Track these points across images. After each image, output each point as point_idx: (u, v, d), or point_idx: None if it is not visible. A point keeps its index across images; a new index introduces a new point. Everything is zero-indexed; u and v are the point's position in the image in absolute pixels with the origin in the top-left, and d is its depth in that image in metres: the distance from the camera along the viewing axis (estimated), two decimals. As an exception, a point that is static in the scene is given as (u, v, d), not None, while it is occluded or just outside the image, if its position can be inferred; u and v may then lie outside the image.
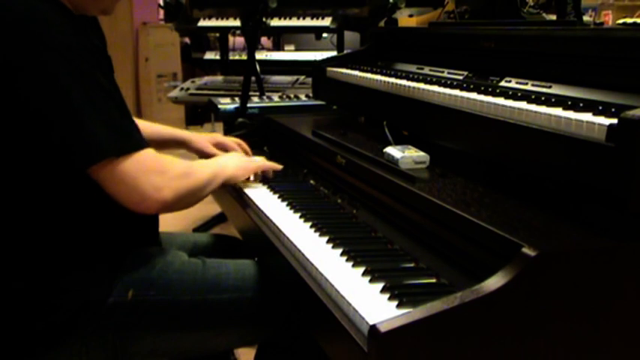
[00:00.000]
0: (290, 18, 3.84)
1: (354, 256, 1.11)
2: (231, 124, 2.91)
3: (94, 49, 1.25)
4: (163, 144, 1.67)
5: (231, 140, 1.77)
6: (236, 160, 1.54)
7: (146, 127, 1.54)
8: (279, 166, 1.63)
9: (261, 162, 1.62)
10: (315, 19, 3.76)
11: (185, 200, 1.28)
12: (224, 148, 1.72)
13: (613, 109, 1.04)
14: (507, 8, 1.72)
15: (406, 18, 2.59)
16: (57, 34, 1.14)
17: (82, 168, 1.16)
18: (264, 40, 5.25)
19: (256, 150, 1.96)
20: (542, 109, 1.12)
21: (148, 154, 1.21)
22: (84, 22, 1.27)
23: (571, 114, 1.06)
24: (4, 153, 1.17)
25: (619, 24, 2.03)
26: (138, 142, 1.21)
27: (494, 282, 0.86)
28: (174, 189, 1.22)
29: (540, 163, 1.12)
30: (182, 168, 1.28)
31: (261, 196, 1.51)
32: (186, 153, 1.69)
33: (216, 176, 1.39)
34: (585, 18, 1.78)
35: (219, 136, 1.79)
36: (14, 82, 1.12)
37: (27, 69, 1.12)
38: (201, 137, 1.74)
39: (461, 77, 1.55)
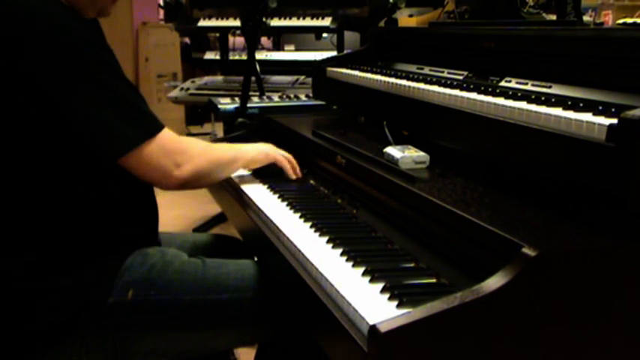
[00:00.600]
0: (290, 18, 3.85)
1: (354, 256, 1.11)
2: (231, 124, 2.91)
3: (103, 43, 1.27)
4: None
5: None
6: (258, 146, 1.60)
7: None
8: (298, 174, 1.61)
9: (281, 157, 1.60)
10: (315, 19, 3.76)
11: (204, 178, 1.37)
12: None
13: (613, 109, 1.04)
14: (507, 8, 1.72)
15: (406, 18, 2.59)
16: (69, 31, 1.16)
17: (111, 161, 1.22)
18: (264, 40, 5.26)
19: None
20: (542, 109, 1.12)
21: (167, 135, 1.28)
22: (85, 21, 1.27)
23: (571, 114, 1.06)
24: (8, 155, 1.18)
25: (619, 24, 2.04)
26: (157, 124, 1.27)
27: (494, 282, 0.86)
28: (194, 166, 1.31)
29: (540, 163, 1.12)
30: (201, 146, 1.38)
31: (261, 196, 1.51)
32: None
33: (236, 158, 1.48)
34: (585, 18, 1.79)
35: None
36: (33, 83, 1.13)
37: (45, 69, 1.14)
38: None
39: (461, 77, 1.55)
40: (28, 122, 1.16)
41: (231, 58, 4.45)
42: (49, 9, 1.16)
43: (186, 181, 1.30)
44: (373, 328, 0.83)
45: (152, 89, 5.76)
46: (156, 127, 1.26)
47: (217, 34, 4.64)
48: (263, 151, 1.58)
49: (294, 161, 1.62)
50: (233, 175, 1.62)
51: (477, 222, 1.00)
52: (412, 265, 1.09)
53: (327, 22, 3.69)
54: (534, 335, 0.89)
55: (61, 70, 1.15)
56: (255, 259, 1.48)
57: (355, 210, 1.37)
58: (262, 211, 1.41)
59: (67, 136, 1.18)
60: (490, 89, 1.34)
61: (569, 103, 1.12)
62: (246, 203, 1.52)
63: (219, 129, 4.71)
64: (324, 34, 4.13)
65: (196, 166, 1.32)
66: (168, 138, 1.28)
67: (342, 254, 1.14)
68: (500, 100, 1.24)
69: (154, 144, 1.24)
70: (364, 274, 1.04)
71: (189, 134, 6.02)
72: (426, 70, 1.70)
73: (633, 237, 0.94)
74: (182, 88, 4.10)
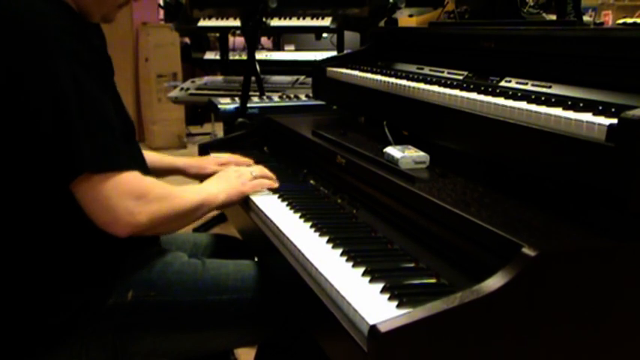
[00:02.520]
0: (290, 18, 3.84)
1: (354, 256, 1.11)
2: (231, 124, 2.91)
3: (96, 56, 1.25)
4: (160, 173, 1.62)
5: (230, 157, 1.73)
6: (228, 185, 1.44)
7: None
8: (275, 184, 1.55)
9: (256, 182, 1.52)
10: (315, 19, 3.76)
11: (164, 225, 1.25)
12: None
13: (613, 109, 1.04)
14: (507, 8, 1.72)
15: (406, 18, 2.59)
16: (62, 40, 1.14)
17: (64, 181, 1.14)
18: (264, 40, 5.26)
19: (256, 150, 1.96)
20: (542, 109, 1.12)
21: (128, 177, 1.17)
22: (86, 23, 1.27)
23: (571, 114, 1.06)
24: (7, 155, 1.17)
25: (619, 24, 2.03)
26: (121, 162, 1.17)
27: (494, 282, 0.86)
28: (148, 214, 1.18)
29: (540, 163, 1.12)
30: (161, 192, 1.23)
31: (261, 197, 1.51)
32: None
33: (204, 204, 1.33)
34: (585, 18, 1.78)
35: (222, 157, 1.73)
36: (16, 86, 1.12)
37: (30, 74, 1.12)
38: (198, 163, 1.69)
39: (461, 77, 1.55)
40: (23, 125, 1.15)
41: (231, 58, 4.45)
42: (49, 13, 1.15)
43: (140, 229, 1.18)
44: (373, 328, 0.83)
45: (152, 89, 5.76)
46: (115, 165, 1.16)
47: (217, 34, 4.64)
48: (235, 190, 1.44)
49: (265, 181, 1.54)
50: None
51: (477, 222, 1.00)
52: (412, 265, 1.09)
53: (327, 22, 3.69)
54: (534, 335, 0.89)
55: (47, 79, 1.12)
56: (255, 259, 1.48)
57: (355, 210, 1.37)
58: (262, 211, 1.41)
59: (42, 144, 1.14)
60: (490, 89, 1.34)
61: (569, 103, 1.12)
62: (246, 203, 1.52)
63: (219, 129, 4.71)
64: (324, 34, 4.13)
65: (153, 214, 1.19)
66: (128, 180, 1.17)
67: (342, 254, 1.14)
68: (500, 100, 1.24)
69: (110, 182, 1.14)
70: (364, 274, 1.04)
71: (189, 134, 6.03)
72: (426, 70, 1.70)
73: (633, 237, 0.94)
74: (182, 88, 4.10)
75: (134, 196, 1.17)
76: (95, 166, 1.14)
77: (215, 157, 1.73)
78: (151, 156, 1.59)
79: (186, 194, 1.31)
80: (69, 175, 1.14)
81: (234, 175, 1.50)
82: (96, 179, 1.14)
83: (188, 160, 1.70)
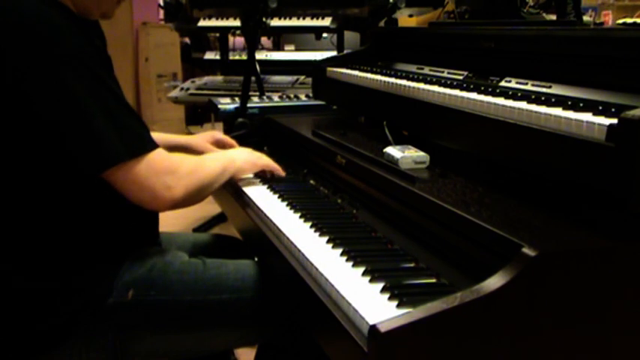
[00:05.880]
0: (290, 18, 3.84)
1: (354, 256, 1.11)
2: (231, 124, 2.91)
3: (97, 56, 1.25)
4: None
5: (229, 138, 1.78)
6: (245, 155, 1.57)
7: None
8: (282, 172, 1.62)
9: (270, 161, 1.60)
10: (315, 19, 3.76)
11: (196, 196, 1.31)
12: (224, 147, 1.73)
13: (613, 109, 1.04)
14: (507, 8, 1.72)
15: (406, 18, 2.59)
16: (66, 38, 1.15)
17: (96, 173, 1.18)
18: (264, 40, 5.26)
19: (256, 150, 1.96)
20: (542, 109, 1.12)
21: (158, 155, 1.24)
22: (86, 23, 1.27)
23: (571, 114, 1.06)
24: (8, 156, 1.18)
25: (619, 24, 2.04)
26: (148, 143, 1.23)
27: (494, 282, 0.86)
28: (184, 187, 1.26)
29: (540, 163, 1.12)
30: (192, 165, 1.32)
31: (261, 196, 1.51)
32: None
33: (225, 170, 1.43)
34: (585, 18, 1.79)
35: (218, 134, 1.80)
36: (23, 88, 1.13)
37: (37, 75, 1.13)
38: (201, 139, 1.75)
39: (461, 77, 1.55)
40: (28, 127, 1.15)
41: (231, 58, 4.45)
42: (51, 13, 1.16)
43: (177, 202, 1.26)
44: (373, 328, 0.83)
45: (152, 89, 5.76)
46: (145, 147, 1.22)
47: (217, 34, 4.64)
48: (250, 160, 1.56)
49: (274, 163, 1.61)
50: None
51: (477, 222, 1.00)
52: (412, 265, 1.09)
53: (327, 22, 3.69)
54: (534, 335, 0.89)
55: (55, 77, 1.13)
56: (256, 259, 1.48)
57: (355, 210, 1.37)
58: (262, 211, 1.41)
59: (55, 142, 1.17)
60: (490, 89, 1.34)
61: (569, 103, 1.12)
62: (246, 203, 1.52)
63: (219, 129, 4.70)
64: (324, 34, 4.13)
65: (187, 187, 1.27)
66: (158, 159, 1.24)
67: (342, 254, 1.14)
68: (500, 100, 1.24)
69: (142, 163, 1.20)
70: (364, 274, 1.04)
71: (189, 134, 6.04)
72: (426, 70, 1.70)
73: (633, 237, 0.94)
74: (182, 88, 4.11)
75: (168, 171, 1.24)
76: (129, 154, 1.19)
77: (214, 135, 1.79)
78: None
79: (209, 163, 1.40)
80: (102, 169, 1.18)
81: (250, 150, 1.61)
82: (130, 164, 1.19)
83: (190, 137, 1.78)
